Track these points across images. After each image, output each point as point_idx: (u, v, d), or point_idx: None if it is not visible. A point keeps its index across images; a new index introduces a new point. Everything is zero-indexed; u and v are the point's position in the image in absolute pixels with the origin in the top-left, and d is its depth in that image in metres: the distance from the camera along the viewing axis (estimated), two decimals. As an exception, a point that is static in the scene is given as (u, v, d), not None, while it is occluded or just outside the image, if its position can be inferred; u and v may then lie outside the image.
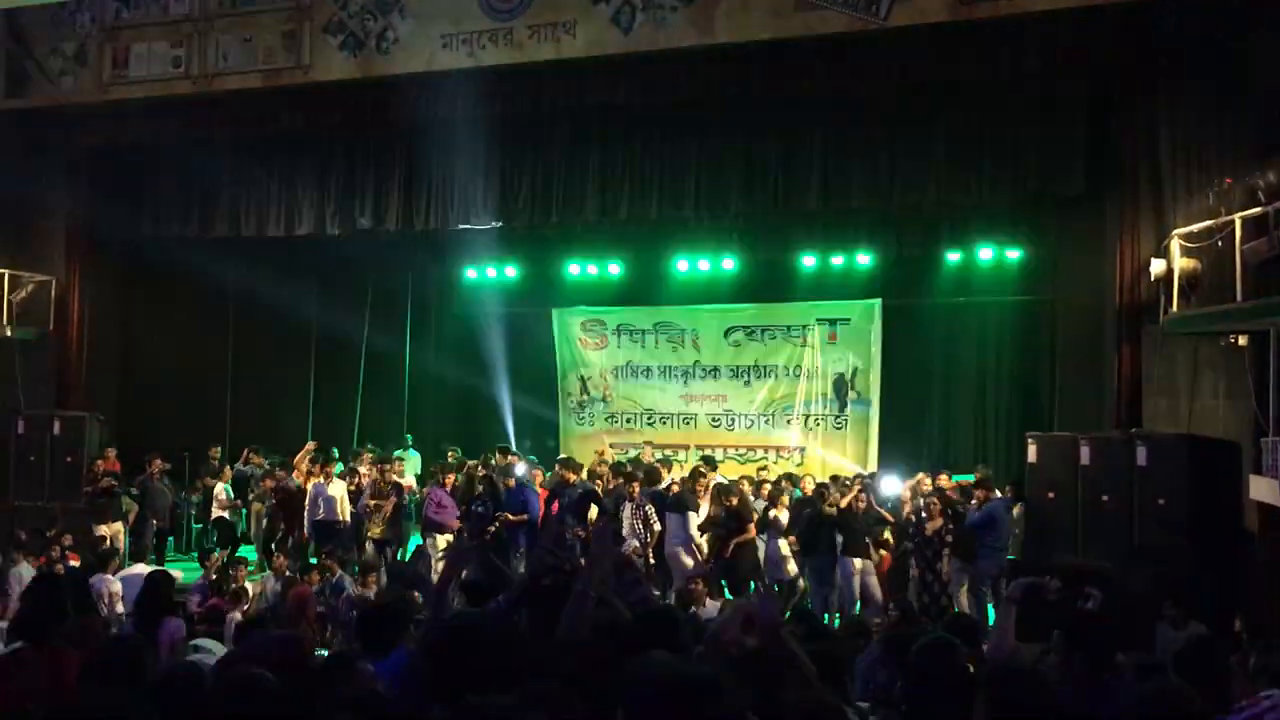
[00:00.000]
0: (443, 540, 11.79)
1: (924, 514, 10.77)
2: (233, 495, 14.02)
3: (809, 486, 11.76)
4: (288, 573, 10.50)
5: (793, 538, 11.15)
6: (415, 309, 17.68)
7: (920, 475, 12.05)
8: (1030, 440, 10.71)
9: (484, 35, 11.79)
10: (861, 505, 10.83)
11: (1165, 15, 9.92)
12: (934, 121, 11.47)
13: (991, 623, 9.74)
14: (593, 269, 16.56)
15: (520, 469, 12.56)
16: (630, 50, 11.38)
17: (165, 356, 15.07)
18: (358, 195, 13.40)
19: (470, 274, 17.38)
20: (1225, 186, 9.36)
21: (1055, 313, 13.47)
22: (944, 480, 11.87)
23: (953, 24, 10.40)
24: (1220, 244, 8.96)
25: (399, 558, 12.27)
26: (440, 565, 11.41)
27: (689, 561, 10.90)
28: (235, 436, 15.49)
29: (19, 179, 13.80)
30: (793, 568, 11.22)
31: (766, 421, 16.02)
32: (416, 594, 9.14)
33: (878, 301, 15.31)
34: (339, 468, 13.23)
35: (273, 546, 12.72)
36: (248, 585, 10.12)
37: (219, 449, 14.81)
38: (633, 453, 15.13)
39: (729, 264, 15.78)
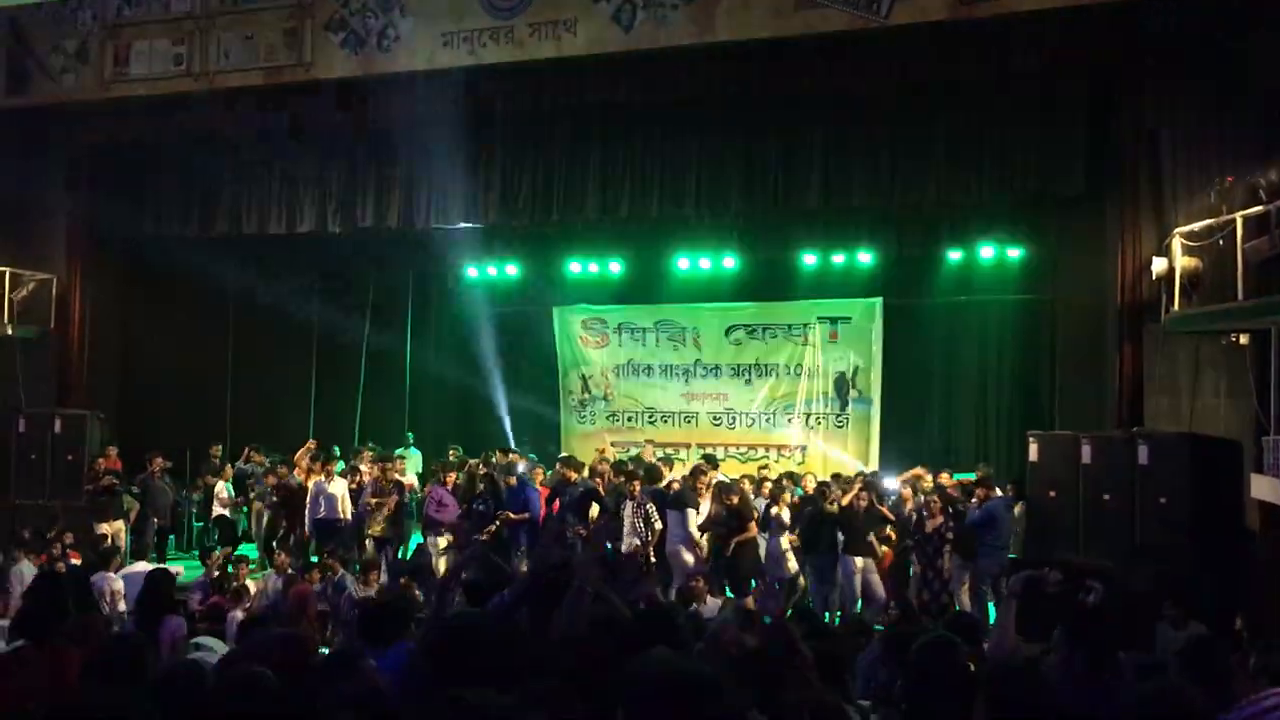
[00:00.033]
0: (443, 540, 11.80)
1: (924, 512, 10.77)
2: (234, 493, 14.04)
3: (810, 485, 11.77)
4: (289, 571, 10.50)
5: (794, 536, 11.15)
6: (416, 307, 17.69)
7: (916, 469, 12.08)
8: (1031, 439, 10.71)
9: (485, 33, 11.78)
10: (863, 503, 10.82)
11: (1154, 15, 9.92)
12: (935, 120, 11.45)
13: (992, 621, 9.76)
14: (594, 267, 16.55)
15: (521, 467, 12.56)
16: (631, 48, 11.37)
17: (166, 355, 15.07)
18: (359, 193, 13.39)
19: (471, 272, 17.38)
20: (1226, 185, 9.35)
21: (1056, 311, 13.47)
22: (944, 478, 11.87)
23: (953, 23, 10.39)
24: (1221, 242, 8.96)
25: (400, 556, 12.28)
26: (442, 563, 11.46)
27: (689, 559, 10.91)
28: (236, 435, 15.50)
29: (20, 177, 13.81)
30: (793, 565, 11.22)
31: (768, 420, 16.03)
32: (417, 590, 9.17)
33: (879, 300, 15.32)
34: (340, 466, 13.25)
35: (274, 544, 12.73)
36: (249, 583, 10.12)
37: (220, 447, 14.83)
38: (634, 451, 15.13)
39: (730, 262, 15.78)
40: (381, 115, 12.86)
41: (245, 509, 14.10)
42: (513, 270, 17.10)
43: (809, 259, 15.45)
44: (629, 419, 16.75)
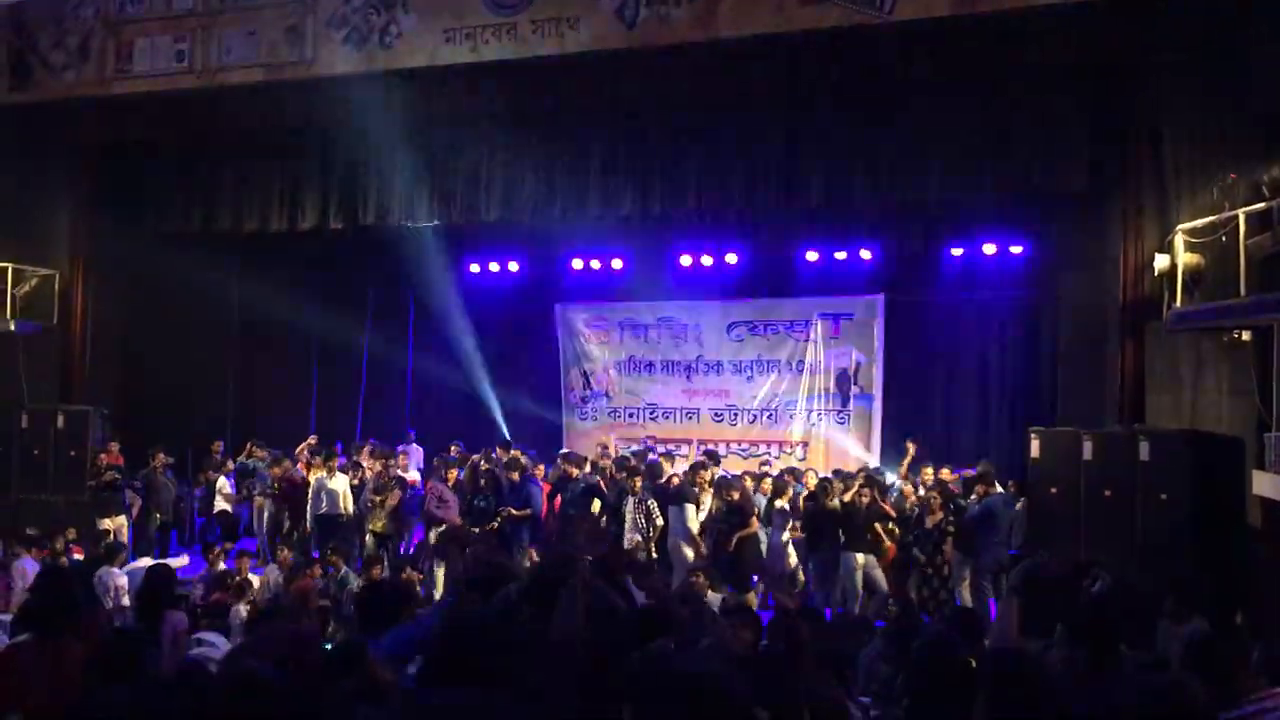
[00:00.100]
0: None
1: (925, 508, 10.79)
2: (235, 489, 14.06)
3: (811, 481, 11.78)
4: (290, 565, 10.53)
5: (797, 530, 11.17)
6: (418, 303, 17.69)
7: (909, 448, 12.12)
8: (1033, 435, 10.71)
9: (487, 30, 11.77)
10: (864, 500, 10.83)
11: (1157, 11, 9.91)
12: (937, 116, 11.45)
13: (993, 617, 9.77)
14: (596, 264, 16.55)
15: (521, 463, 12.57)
16: (634, 45, 11.37)
17: (168, 350, 15.09)
18: (360, 190, 13.40)
19: (473, 268, 17.38)
20: (1229, 181, 9.34)
21: (1058, 308, 13.45)
22: (945, 474, 11.88)
23: (955, 18, 10.38)
24: (1224, 239, 8.94)
25: (404, 552, 12.29)
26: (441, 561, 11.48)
27: (690, 555, 10.92)
28: (238, 430, 15.51)
29: (22, 173, 13.83)
30: (793, 560, 11.25)
31: (769, 416, 16.04)
32: (418, 575, 9.19)
33: (881, 296, 15.33)
34: (340, 461, 13.27)
35: (277, 540, 12.75)
36: (251, 578, 10.14)
37: (221, 443, 14.85)
38: (636, 447, 15.13)
39: (732, 259, 15.78)
40: (383, 112, 12.86)
41: (247, 504, 14.11)
42: (515, 266, 17.10)
43: (811, 255, 15.45)
44: (631, 415, 16.77)
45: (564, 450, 14.24)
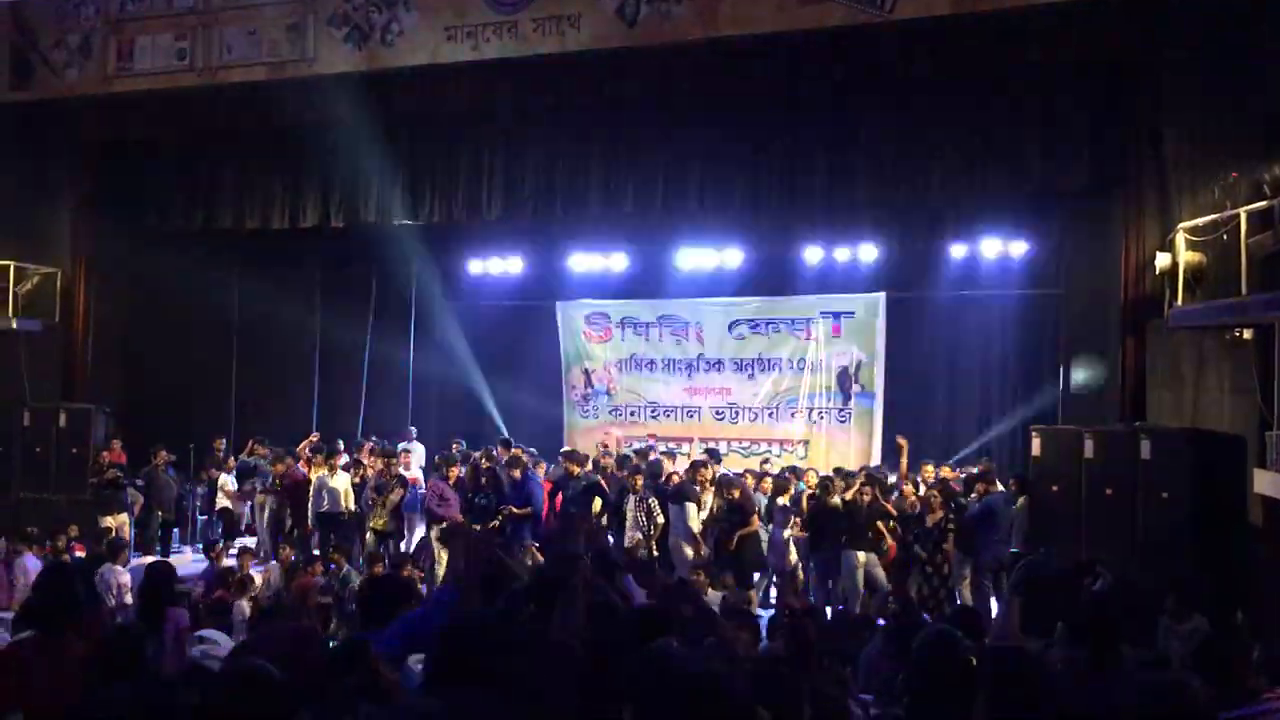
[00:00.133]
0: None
1: (925, 506, 10.79)
2: (237, 486, 14.07)
3: (812, 480, 11.78)
4: (291, 560, 10.56)
5: (799, 530, 11.17)
6: (419, 301, 17.69)
7: (901, 444, 12.15)
8: (1034, 433, 10.71)
9: (488, 28, 11.78)
10: (866, 498, 10.84)
11: (1159, 10, 9.90)
12: (939, 114, 11.44)
13: (994, 615, 9.78)
14: (597, 261, 16.55)
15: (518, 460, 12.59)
16: (634, 43, 11.37)
17: (170, 348, 15.10)
18: (361, 188, 13.40)
19: (474, 266, 17.38)
20: (1231, 180, 9.34)
21: (1060, 306, 13.46)
22: (945, 471, 11.88)
23: (956, 17, 10.38)
24: (1225, 238, 8.94)
25: (406, 550, 12.30)
26: (442, 556, 11.48)
27: (691, 553, 10.93)
28: (240, 428, 15.53)
29: (24, 171, 13.85)
30: (793, 557, 11.25)
31: (770, 415, 16.04)
32: (419, 572, 9.20)
33: (882, 295, 15.31)
34: (344, 460, 13.27)
35: (279, 538, 12.77)
36: (253, 574, 10.16)
37: (223, 440, 14.86)
38: (637, 445, 15.13)
39: (733, 257, 15.77)
40: (384, 110, 12.88)
41: (249, 501, 14.12)
42: (516, 264, 17.10)
43: (812, 253, 15.44)
44: (632, 413, 16.77)
45: (565, 448, 14.25)
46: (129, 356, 15.27)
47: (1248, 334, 9.13)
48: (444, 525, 11.56)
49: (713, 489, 11.49)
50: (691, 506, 11.12)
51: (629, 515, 11.24)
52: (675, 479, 11.74)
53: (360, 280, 17.11)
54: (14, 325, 13.58)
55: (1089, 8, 10.14)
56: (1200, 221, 9.44)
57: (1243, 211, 8.66)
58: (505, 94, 12.33)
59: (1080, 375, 11.90)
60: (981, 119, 11.33)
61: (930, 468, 12.26)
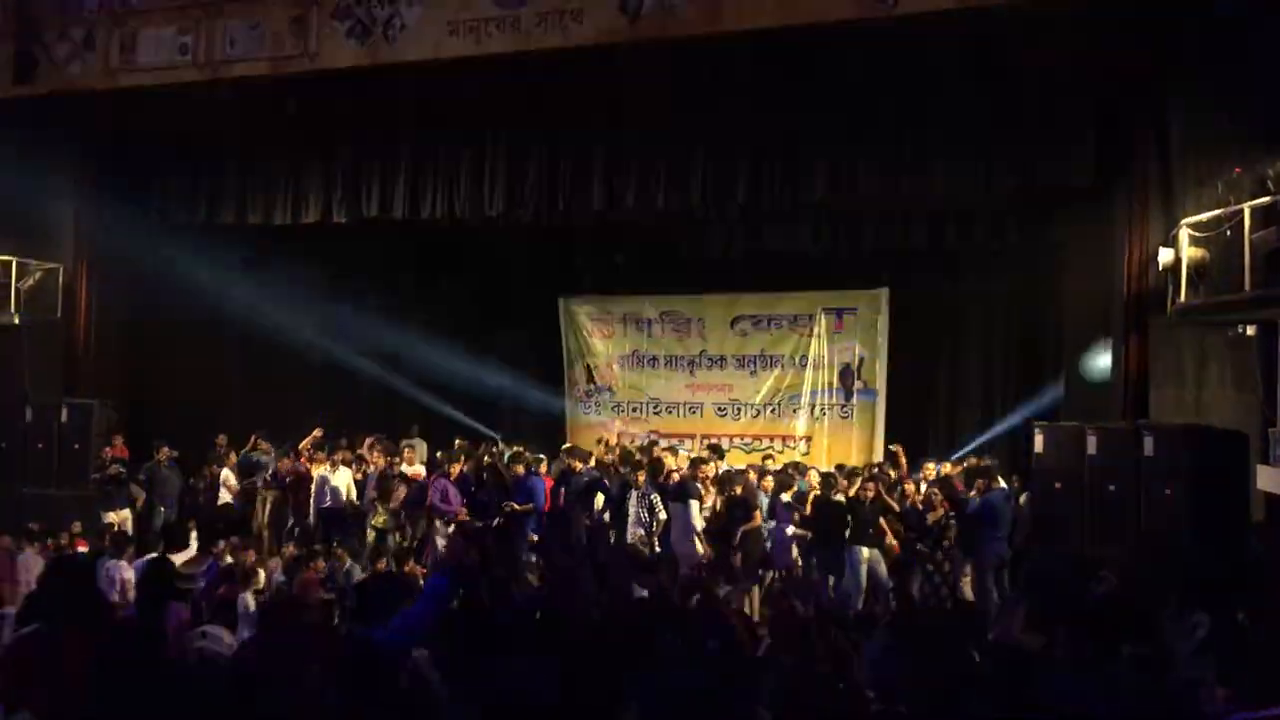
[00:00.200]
0: (449, 528, 11.85)
1: (926, 504, 10.80)
2: (239, 482, 14.07)
3: (813, 478, 11.77)
4: (294, 559, 10.56)
5: (799, 529, 11.18)
6: (422, 298, 17.69)
7: (896, 451, 12.18)
8: (1036, 430, 10.70)
9: (491, 22, 11.75)
10: (869, 494, 10.84)
11: (1163, 6, 9.88)
12: (942, 109, 11.42)
13: (995, 613, 9.78)
14: (599, 258, 16.53)
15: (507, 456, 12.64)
16: (637, 38, 11.35)
17: (173, 343, 15.10)
18: (364, 183, 13.40)
19: (476, 262, 17.36)
20: (1234, 175, 9.32)
21: (1062, 302, 13.44)
22: (946, 469, 11.88)
23: (960, 11, 10.35)
24: (1229, 233, 8.92)
25: (409, 546, 12.31)
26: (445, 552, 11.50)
27: (693, 549, 10.93)
28: (243, 423, 15.51)
29: (26, 166, 13.80)
30: (796, 555, 11.26)
31: (772, 411, 16.04)
32: (421, 569, 9.22)
33: (885, 291, 15.32)
34: (346, 455, 13.28)
35: (280, 534, 12.79)
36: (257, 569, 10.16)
37: (225, 436, 14.85)
38: (641, 441, 15.14)
39: (735, 253, 15.75)
40: (387, 105, 12.86)
41: (251, 497, 14.12)
42: (518, 260, 17.08)
43: (815, 249, 15.41)
44: (634, 410, 16.77)
45: (567, 445, 14.25)
46: (131, 352, 15.26)
47: (1250, 330, 9.13)
48: (445, 519, 11.60)
49: (714, 486, 11.50)
50: (694, 504, 11.12)
51: (631, 512, 11.24)
52: (675, 477, 11.74)
53: (362, 275, 17.11)
54: (16, 320, 13.57)
55: (1094, 2, 10.11)
56: (1204, 217, 9.42)
57: (1246, 207, 8.65)
58: (507, 88, 12.31)
59: (1093, 362, 11.83)
60: (985, 114, 11.30)
61: (931, 466, 12.25)
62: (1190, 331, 9.99)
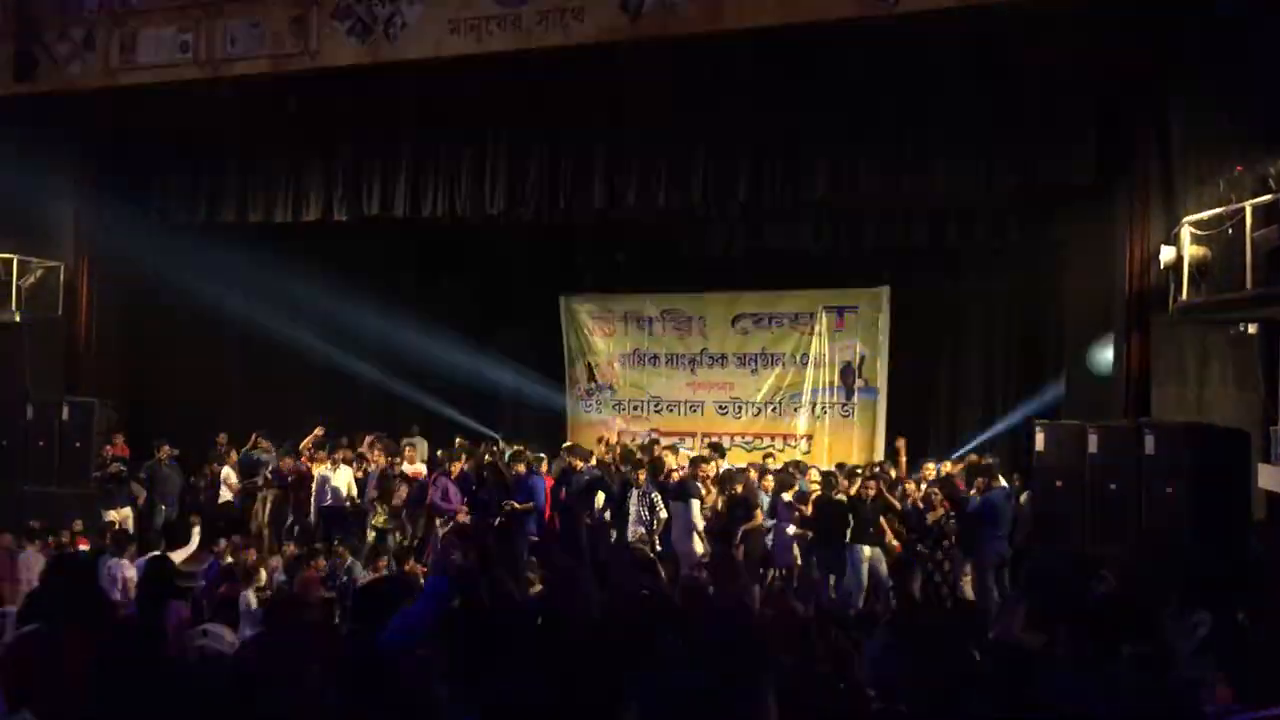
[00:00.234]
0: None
1: (925, 504, 10.80)
2: (239, 480, 14.08)
3: (814, 477, 11.77)
4: (295, 558, 10.57)
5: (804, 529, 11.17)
6: (423, 296, 17.69)
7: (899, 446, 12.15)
8: (1038, 428, 10.69)
9: (492, 21, 11.74)
10: (870, 492, 10.84)
11: (1165, 3, 9.87)
12: (943, 107, 11.41)
13: (995, 611, 9.78)
14: (600, 256, 16.53)
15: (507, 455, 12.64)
16: (639, 36, 11.34)
17: (173, 342, 15.11)
18: (365, 182, 13.40)
19: (478, 260, 17.36)
20: (1236, 174, 9.31)
21: (1063, 300, 13.43)
22: (947, 468, 11.87)
23: (962, 10, 10.34)
24: (1230, 231, 8.91)
25: (409, 545, 12.31)
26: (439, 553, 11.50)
27: (694, 549, 10.93)
28: (243, 422, 15.52)
29: (27, 164, 13.80)
30: (796, 554, 11.26)
31: (773, 409, 16.03)
32: (421, 568, 9.23)
33: (886, 289, 15.30)
34: (346, 454, 13.28)
35: (280, 532, 12.79)
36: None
37: (225, 435, 14.86)
38: (642, 439, 15.13)
39: (736, 251, 15.74)
40: (388, 104, 12.85)
41: (252, 495, 14.13)
42: (519, 258, 17.08)
43: (816, 247, 15.40)
44: (635, 408, 16.77)
45: (568, 443, 14.25)
46: (132, 350, 15.27)
47: (1252, 328, 9.12)
48: (445, 518, 11.61)
49: (715, 485, 11.49)
50: (695, 503, 11.12)
51: (632, 510, 11.24)
52: (675, 476, 11.73)
53: (363, 273, 17.09)
54: (17, 318, 13.58)
55: (1095, 1, 10.10)
56: (1205, 215, 9.41)
57: (1248, 205, 8.64)
58: (509, 87, 12.31)
59: (1098, 356, 11.80)
60: (986, 112, 11.30)
61: (931, 466, 12.24)
62: (1192, 330, 9.99)
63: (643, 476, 11.42)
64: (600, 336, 17.01)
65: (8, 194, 13.69)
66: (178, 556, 9.82)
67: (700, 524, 11.09)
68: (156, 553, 9.84)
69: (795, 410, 15.85)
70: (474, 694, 2.81)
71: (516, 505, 11.63)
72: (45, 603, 4.95)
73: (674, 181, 12.39)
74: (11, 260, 13.64)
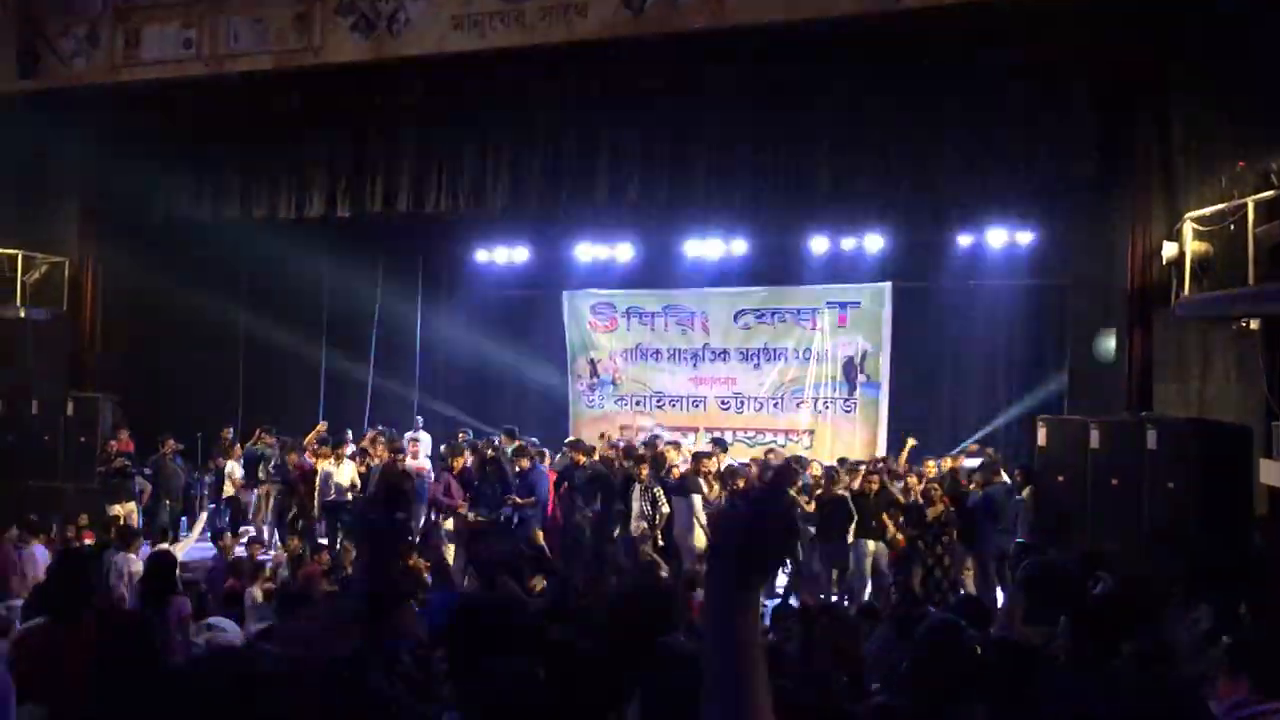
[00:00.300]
0: (450, 524, 11.89)
1: (925, 499, 10.81)
2: (243, 475, 14.12)
3: (816, 471, 11.78)
4: (298, 553, 10.60)
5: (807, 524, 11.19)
6: (426, 291, 17.72)
7: (909, 442, 12.15)
8: (1040, 424, 10.70)
9: (495, 16, 11.75)
10: (873, 486, 10.85)
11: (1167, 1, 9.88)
12: (946, 104, 11.39)
13: (998, 605, 9.79)
14: (603, 252, 16.56)
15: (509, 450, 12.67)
16: (641, 32, 11.34)
17: (178, 337, 15.14)
18: (368, 178, 13.40)
19: (481, 256, 17.40)
20: (1238, 169, 9.31)
21: (1066, 296, 13.43)
22: (947, 463, 11.88)
23: (964, 6, 10.34)
24: (1233, 227, 8.92)
25: (413, 540, 12.34)
26: (450, 547, 11.54)
27: (696, 543, 10.95)
28: (248, 417, 15.57)
29: (32, 160, 13.86)
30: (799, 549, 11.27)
31: (776, 405, 16.05)
32: (425, 564, 9.25)
33: (888, 285, 15.31)
34: (350, 449, 13.31)
35: (281, 527, 12.84)
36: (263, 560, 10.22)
37: (230, 429, 14.91)
38: (644, 437, 15.14)
39: (739, 247, 15.76)
40: (391, 99, 12.86)
41: (255, 490, 14.18)
42: (522, 254, 17.12)
43: (818, 243, 15.43)
44: (637, 403, 16.79)
45: (571, 438, 14.27)
46: (136, 345, 15.30)
47: (1254, 324, 9.12)
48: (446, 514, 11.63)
49: (717, 481, 11.50)
50: (697, 498, 11.14)
51: (634, 505, 11.26)
52: (676, 472, 11.74)
53: (367, 269, 17.13)
54: (22, 314, 13.63)
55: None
56: (1207, 211, 9.41)
57: (1250, 201, 8.64)
58: (511, 83, 12.32)
59: (1104, 344, 11.78)
60: (988, 108, 11.28)
61: (932, 463, 12.23)
62: (1194, 325, 9.99)
63: (645, 472, 11.43)
64: (602, 332, 17.03)
65: (13, 190, 13.73)
66: (180, 550, 9.84)
67: (703, 518, 11.10)
68: (160, 548, 9.88)
69: (798, 406, 15.87)
70: (474, 694, 2.82)
71: (518, 500, 11.65)
72: (51, 596, 4.97)
73: (676, 176, 12.38)
74: (17, 256, 13.68)
